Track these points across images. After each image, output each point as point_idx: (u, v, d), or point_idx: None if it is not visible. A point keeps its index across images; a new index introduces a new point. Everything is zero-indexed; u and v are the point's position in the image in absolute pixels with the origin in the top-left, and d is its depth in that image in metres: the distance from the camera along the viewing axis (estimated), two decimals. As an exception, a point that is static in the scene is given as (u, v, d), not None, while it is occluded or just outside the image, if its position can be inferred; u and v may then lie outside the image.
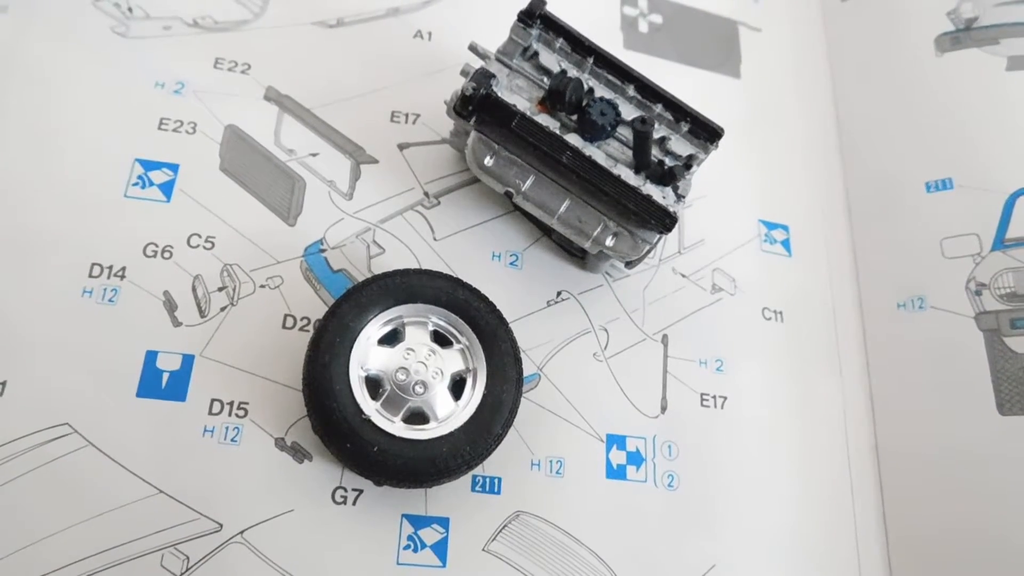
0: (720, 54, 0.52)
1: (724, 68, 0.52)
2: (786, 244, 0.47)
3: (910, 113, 0.50)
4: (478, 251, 0.41)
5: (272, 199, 0.39)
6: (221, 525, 0.33)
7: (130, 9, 0.41)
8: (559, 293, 0.42)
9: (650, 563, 0.37)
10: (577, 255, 0.42)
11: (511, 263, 0.42)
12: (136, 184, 0.38)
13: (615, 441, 0.39)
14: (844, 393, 0.44)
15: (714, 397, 0.41)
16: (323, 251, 0.39)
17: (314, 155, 0.41)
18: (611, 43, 0.49)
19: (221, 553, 0.32)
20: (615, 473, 0.38)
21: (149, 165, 0.38)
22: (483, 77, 0.36)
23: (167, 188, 0.38)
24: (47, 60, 0.39)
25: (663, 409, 0.40)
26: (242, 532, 0.33)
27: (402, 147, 0.43)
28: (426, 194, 0.42)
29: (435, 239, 0.41)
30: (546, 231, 0.42)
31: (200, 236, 0.38)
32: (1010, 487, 0.39)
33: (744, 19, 0.54)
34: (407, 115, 0.43)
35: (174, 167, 0.39)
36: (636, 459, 0.39)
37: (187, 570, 0.32)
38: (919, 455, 0.42)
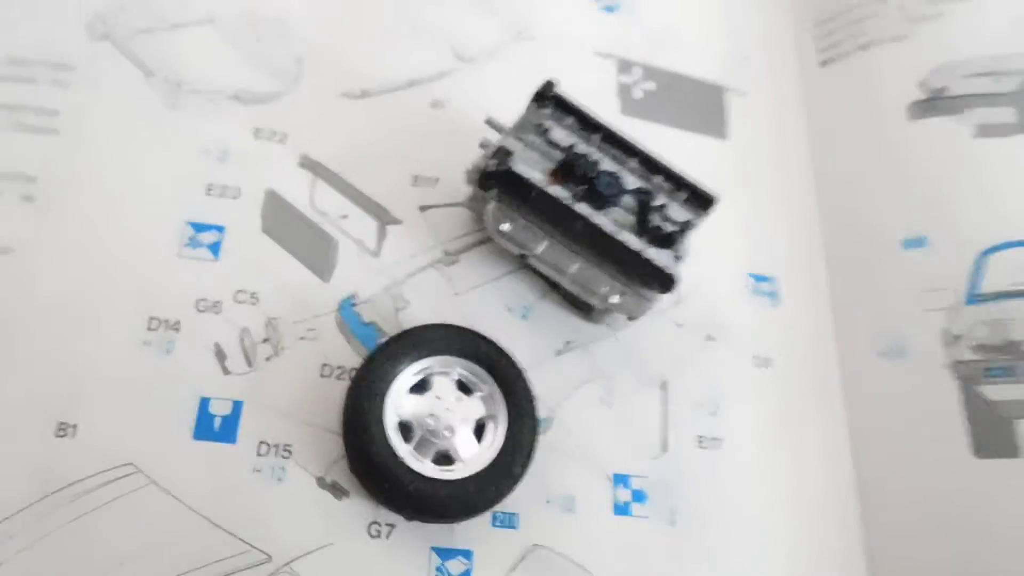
0: (708, 117, 0.59)
1: (712, 130, 0.58)
2: (773, 295, 0.54)
3: (885, 174, 0.56)
4: (493, 304, 0.48)
5: (308, 257, 0.46)
6: (270, 556, 0.39)
7: (179, 84, 0.48)
8: (567, 343, 0.48)
9: (654, 594, 0.43)
10: (583, 309, 0.49)
11: (523, 315, 0.48)
12: (188, 244, 0.45)
13: (621, 480, 0.45)
14: (829, 435, 0.50)
15: (710, 439, 0.48)
16: (355, 305, 0.46)
17: (344, 217, 0.48)
18: (609, 108, 0.56)
19: (270, 582, 0.38)
20: (621, 509, 0.44)
21: (199, 227, 0.45)
22: (503, 155, 0.43)
23: (215, 248, 0.45)
24: (107, 131, 0.46)
25: (664, 450, 0.46)
26: (288, 563, 0.39)
27: (423, 209, 0.50)
28: (446, 252, 0.49)
29: (455, 294, 0.48)
30: (554, 286, 0.49)
31: (246, 292, 0.44)
32: (984, 524, 0.44)
33: (730, 84, 0.61)
34: (427, 179, 0.51)
35: (221, 228, 0.45)
36: (640, 496, 0.45)
37: (239, 598, 0.38)
38: (900, 496, 0.47)
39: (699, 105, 0.59)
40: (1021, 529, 0.44)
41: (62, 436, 0.39)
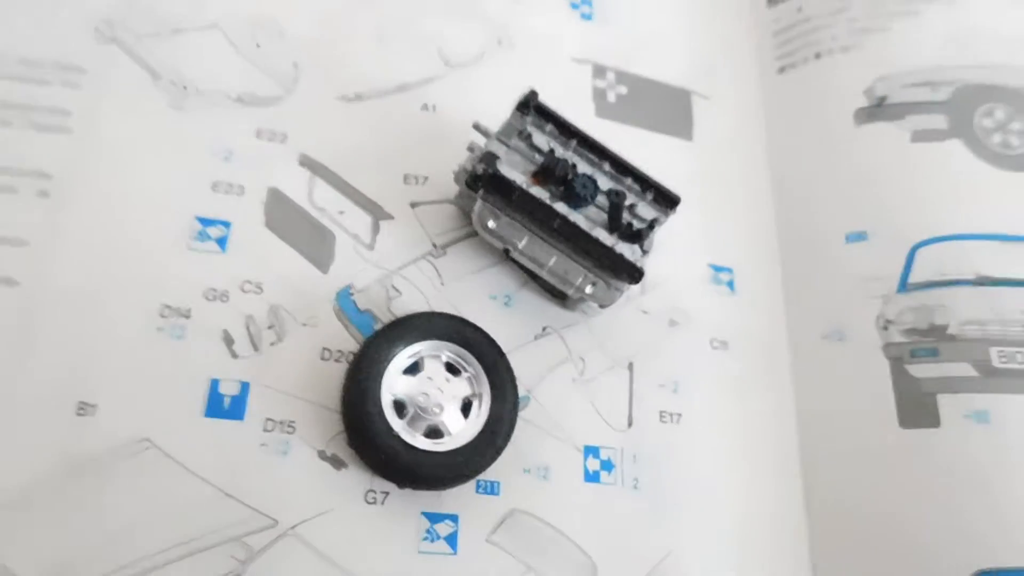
0: (675, 120, 0.62)
1: (679, 132, 0.62)
2: (731, 284, 0.58)
3: (833, 175, 0.60)
4: (478, 293, 0.51)
5: (308, 250, 0.49)
6: (276, 521, 0.42)
7: (184, 87, 0.50)
8: (544, 328, 0.52)
9: (619, 551, 0.47)
10: (559, 297, 0.53)
11: (505, 303, 0.52)
12: (196, 238, 0.47)
13: (591, 451, 0.49)
14: (777, 410, 0.54)
15: (671, 414, 0.52)
16: (351, 294, 0.48)
17: (341, 212, 0.51)
18: (584, 111, 0.59)
19: (277, 544, 0.42)
20: (591, 477, 0.48)
21: (206, 222, 0.48)
22: (490, 159, 0.46)
23: (222, 241, 0.47)
24: (118, 131, 0.48)
25: (629, 424, 0.50)
26: (293, 527, 0.42)
27: (414, 205, 0.53)
28: (434, 245, 0.52)
29: (442, 284, 0.51)
30: (533, 276, 0.53)
31: (251, 282, 0.47)
32: (908, 484, 0.50)
33: (696, 89, 0.64)
34: (417, 177, 0.53)
35: (227, 223, 0.48)
36: (608, 466, 0.49)
37: (250, 558, 0.41)
38: (838, 462, 0.52)
39: (667, 108, 0.62)
40: (938, 487, 0.49)
41: (82, 415, 0.42)
